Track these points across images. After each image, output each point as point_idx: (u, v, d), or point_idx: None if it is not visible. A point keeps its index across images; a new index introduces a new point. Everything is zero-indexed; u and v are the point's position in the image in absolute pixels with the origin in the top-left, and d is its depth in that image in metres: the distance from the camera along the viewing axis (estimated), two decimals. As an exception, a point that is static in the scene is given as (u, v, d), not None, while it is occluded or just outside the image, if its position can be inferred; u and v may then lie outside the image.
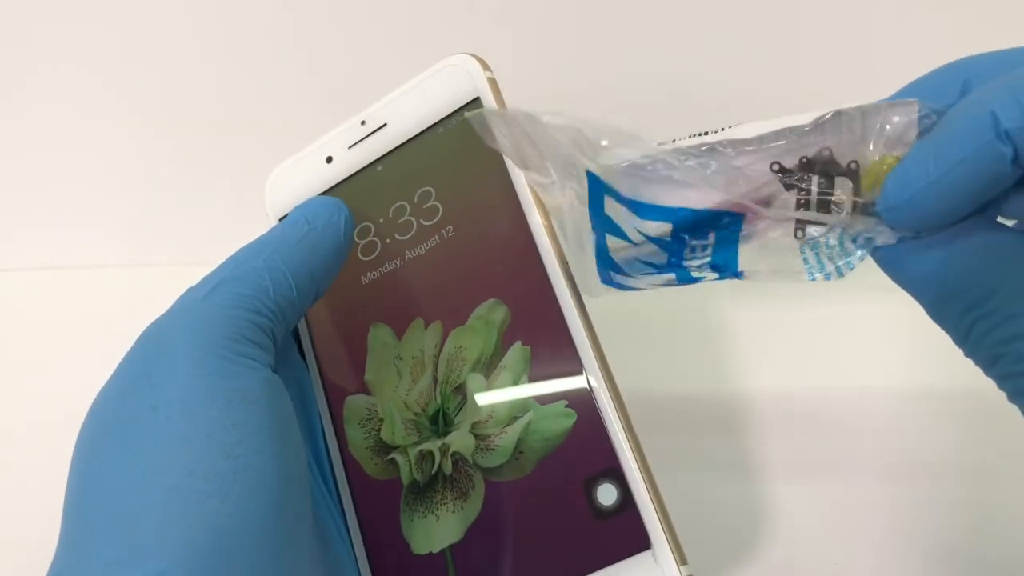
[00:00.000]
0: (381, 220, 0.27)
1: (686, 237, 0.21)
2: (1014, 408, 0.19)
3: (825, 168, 0.19)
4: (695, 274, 0.22)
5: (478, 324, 0.24)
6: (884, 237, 0.20)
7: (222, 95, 0.41)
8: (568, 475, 0.22)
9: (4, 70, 0.42)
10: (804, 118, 0.19)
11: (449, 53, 0.26)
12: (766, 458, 0.33)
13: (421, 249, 0.26)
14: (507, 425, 0.23)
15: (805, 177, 0.19)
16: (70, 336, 0.42)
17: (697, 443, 0.34)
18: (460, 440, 0.24)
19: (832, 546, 0.31)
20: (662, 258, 0.22)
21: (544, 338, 0.23)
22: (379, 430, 0.25)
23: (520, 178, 0.24)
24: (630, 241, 0.21)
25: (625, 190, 0.21)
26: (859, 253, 0.20)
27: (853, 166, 0.19)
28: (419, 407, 0.25)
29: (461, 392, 0.24)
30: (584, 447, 0.22)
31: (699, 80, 0.36)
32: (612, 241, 0.22)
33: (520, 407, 0.23)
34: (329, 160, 0.28)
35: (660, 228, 0.21)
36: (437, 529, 0.23)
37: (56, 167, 0.44)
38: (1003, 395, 0.19)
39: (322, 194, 0.28)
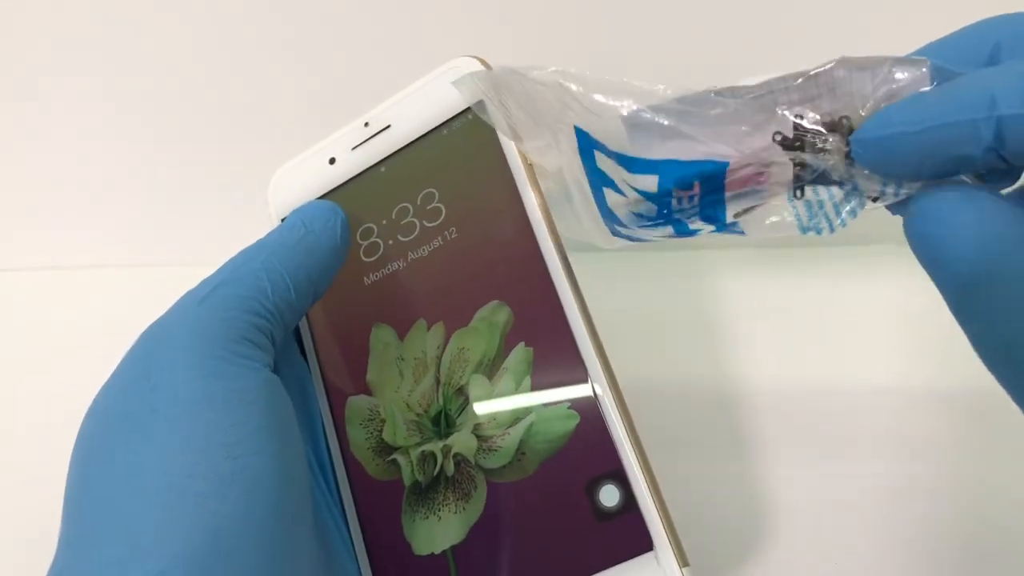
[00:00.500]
0: (384, 221, 0.27)
1: (672, 188, 0.21)
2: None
3: (815, 128, 0.19)
4: (692, 227, 0.21)
5: (481, 326, 0.24)
6: (869, 190, 0.19)
7: (223, 95, 0.41)
8: (570, 477, 0.22)
9: (4, 70, 0.42)
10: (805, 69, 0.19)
11: (451, 55, 0.26)
12: (769, 454, 0.33)
13: (424, 250, 0.26)
14: (510, 426, 0.23)
15: (797, 136, 0.19)
16: (70, 336, 0.42)
17: (699, 438, 0.34)
18: (462, 441, 0.24)
19: (834, 545, 0.31)
20: (653, 210, 0.21)
21: (547, 340, 0.23)
22: (381, 431, 0.25)
23: (524, 179, 0.25)
24: (623, 194, 0.21)
25: (612, 145, 0.20)
26: (848, 207, 0.20)
27: (845, 121, 0.19)
28: (421, 408, 0.25)
29: (463, 394, 0.24)
30: (587, 449, 0.22)
31: (705, 83, 0.36)
32: (609, 195, 0.22)
33: (523, 409, 0.23)
34: (332, 161, 0.28)
35: (647, 181, 0.21)
36: (439, 530, 0.23)
37: (56, 167, 0.44)
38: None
39: (325, 195, 0.28)
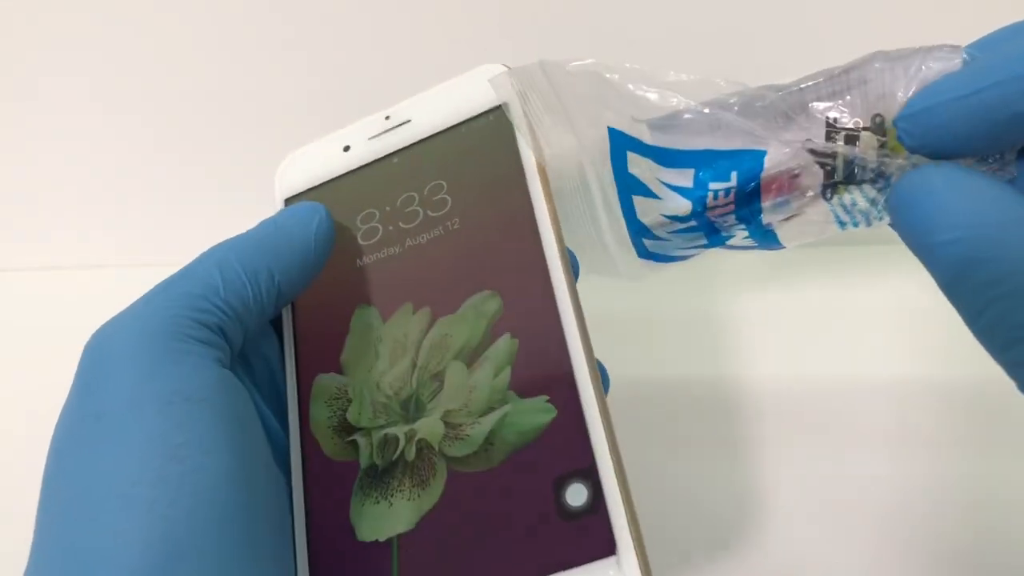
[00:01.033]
0: (388, 208, 0.27)
1: (707, 181, 0.20)
2: (1019, 400, 0.18)
3: (847, 127, 0.19)
4: (724, 232, 0.21)
5: (469, 313, 0.24)
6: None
7: (222, 95, 0.41)
8: (538, 471, 0.21)
9: (4, 70, 0.42)
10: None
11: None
12: (769, 454, 0.33)
13: (423, 238, 0.26)
14: (481, 416, 0.22)
15: (829, 135, 0.19)
16: (70, 336, 0.42)
17: (698, 438, 0.34)
18: (428, 427, 0.23)
19: (834, 545, 0.31)
20: (686, 208, 0.21)
21: (534, 333, 0.23)
22: (346, 410, 0.24)
23: (538, 186, 0.24)
24: (655, 196, 0.21)
25: (648, 139, 0.20)
26: (883, 202, 0.19)
27: (878, 120, 0.19)
28: (392, 390, 0.24)
29: (439, 379, 0.23)
30: (559, 444, 0.21)
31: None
32: (639, 203, 0.21)
33: (499, 399, 0.22)
34: (347, 149, 0.28)
35: (682, 176, 0.21)
36: (388, 516, 0.22)
37: (56, 167, 0.44)
38: (1008, 386, 0.18)
39: (333, 180, 0.28)
